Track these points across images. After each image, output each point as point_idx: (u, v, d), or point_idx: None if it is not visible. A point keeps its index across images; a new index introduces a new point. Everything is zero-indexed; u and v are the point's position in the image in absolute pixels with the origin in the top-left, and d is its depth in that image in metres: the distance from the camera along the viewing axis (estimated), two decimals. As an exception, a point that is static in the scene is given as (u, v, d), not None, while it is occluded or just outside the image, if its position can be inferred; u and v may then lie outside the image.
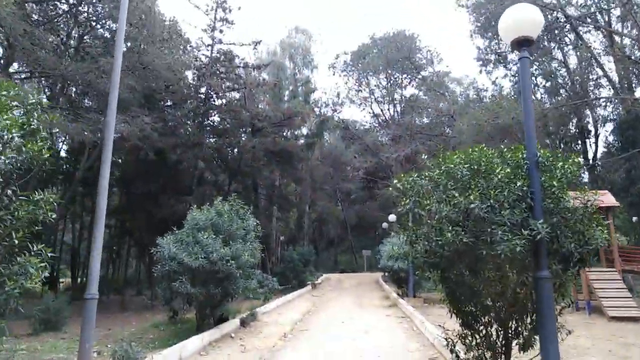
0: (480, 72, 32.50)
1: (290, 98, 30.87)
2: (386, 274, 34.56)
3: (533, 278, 4.74)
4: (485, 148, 5.42)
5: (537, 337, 5.35)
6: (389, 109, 34.79)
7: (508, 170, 4.87)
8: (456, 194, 4.81)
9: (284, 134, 29.51)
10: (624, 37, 23.71)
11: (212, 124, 21.94)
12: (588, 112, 29.92)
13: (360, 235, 64.82)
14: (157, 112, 19.80)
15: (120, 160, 23.82)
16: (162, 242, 10.42)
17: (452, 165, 5.20)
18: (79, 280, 33.42)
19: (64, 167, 25.30)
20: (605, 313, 12.93)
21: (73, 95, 21.05)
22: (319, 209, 46.91)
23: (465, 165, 5.07)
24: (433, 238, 5.20)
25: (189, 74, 22.28)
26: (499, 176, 4.77)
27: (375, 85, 33.07)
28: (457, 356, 6.08)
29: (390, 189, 5.97)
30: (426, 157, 27.28)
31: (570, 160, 4.93)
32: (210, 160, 21.56)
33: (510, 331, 5.58)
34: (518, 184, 4.72)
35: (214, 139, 21.58)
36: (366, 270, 45.57)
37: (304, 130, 34.58)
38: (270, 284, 17.91)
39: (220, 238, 10.52)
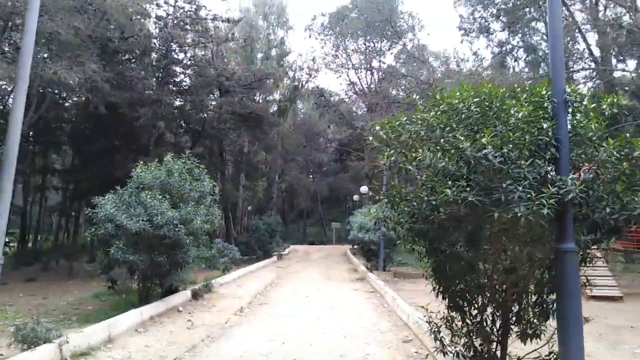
0: (462, 41, 31.39)
1: (263, 60, 28.96)
2: (355, 246, 34.01)
3: (554, 251, 3.61)
4: (495, 85, 4.20)
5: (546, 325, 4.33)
6: (366, 77, 33.30)
7: (530, 108, 3.67)
8: (461, 137, 3.58)
9: (255, 97, 27.78)
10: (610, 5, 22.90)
11: (174, 80, 19.99)
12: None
13: (331, 207, 64.14)
14: (114, 65, 17.83)
15: (69, 116, 21.71)
16: (100, 202, 8.92)
17: (456, 102, 3.95)
18: (29, 244, 31.35)
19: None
20: (583, 292, 12.32)
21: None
22: (290, 180, 45.61)
23: (474, 100, 3.83)
24: (424, 198, 3.99)
25: (151, 25, 20.20)
26: (518, 115, 3.57)
27: (353, 50, 31.41)
28: (442, 343, 5.03)
29: (371, 139, 4.61)
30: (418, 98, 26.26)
31: (609, 100, 3.75)
32: (171, 119, 19.70)
33: (510, 315, 4.52)
34: (545, 126, 3.53)
35: (176, 97, 19.68)
36: (335, 243, 44.93)
37: (277, 96, 32.85)
38: (231, 254, 16.71)
39: (169, 200, 9.10)
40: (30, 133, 22.17)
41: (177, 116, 20.22)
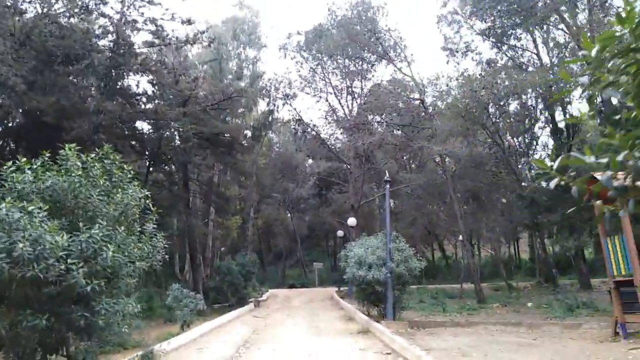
0: (448, 62, 28.94)
1: (234, 80, 25.74)
2: (340, 289, 29.91)
3: None
4: None
5: None
6: (347, 102, 30.33)
7: None
8: None
9: (226, 119, 24.29)
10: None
11: (122, 88, 16.37)
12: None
13: (311, 247, 60.03)
14: (49, 71, 14.18)
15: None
16: None
17: None
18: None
19: None
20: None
21: None
22: (266, 215, 41.71)
23: None
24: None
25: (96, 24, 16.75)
26: None
27: (332, 70, 28.52)
28: None
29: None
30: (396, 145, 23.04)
31: None
32: (119, 136, 15.91)
33: None
34: None
35: (124, 108, 15.93)
36: (317, 285, 40.60)
37: (250, 122, 29.47)
38: (192, 303, 12.61)
39: (60, 218, 5.28)
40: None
41: (126, 134, 16.40)
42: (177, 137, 17.69)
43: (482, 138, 28.34)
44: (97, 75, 15.23)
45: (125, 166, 6.69)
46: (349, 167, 30.48)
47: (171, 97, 18.69)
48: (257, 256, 49.96)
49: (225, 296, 21.85)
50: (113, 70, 15.14)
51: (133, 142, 17.39)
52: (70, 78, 14.63)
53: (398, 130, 24.92)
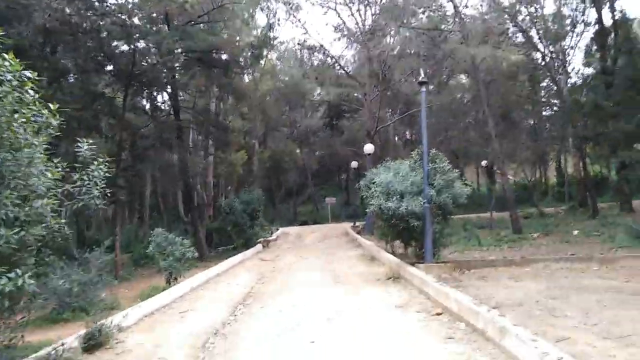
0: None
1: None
2: (356, 224, 27.50)
3: None
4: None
5: None
6: (359, 12, 25.96)
7: None
8: None
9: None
10: None
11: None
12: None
13: (323, 182, 57.82)
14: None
15: None
16: None
17: None
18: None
19: None
20: None
21: None
22: (273, 148, 39.01)
23: None
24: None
25: None
26: None
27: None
28: None
29: None
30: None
31: None
32: (77, 47, 12.53)
33: None
34: None
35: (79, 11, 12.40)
36: (330, 221, 38.59)
37: (249, 39, 25.66)
38: (177, 251, 10.06)
39: None
40: None
41: (90, 46, 13.00)
42: (157, 53, 14.39)
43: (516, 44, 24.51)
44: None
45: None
46: (363, 87, 26.90)
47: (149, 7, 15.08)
48: (267, 194, 47.89)
49: (229, 238, 19.56)
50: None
51: (101, 59, 14.03)
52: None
53: (423, 34, 21.04)
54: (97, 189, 5.02)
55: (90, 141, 5.21)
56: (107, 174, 5.23)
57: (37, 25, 10.52)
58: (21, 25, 10.47)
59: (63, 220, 5.29)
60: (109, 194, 5.44)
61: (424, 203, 9.14)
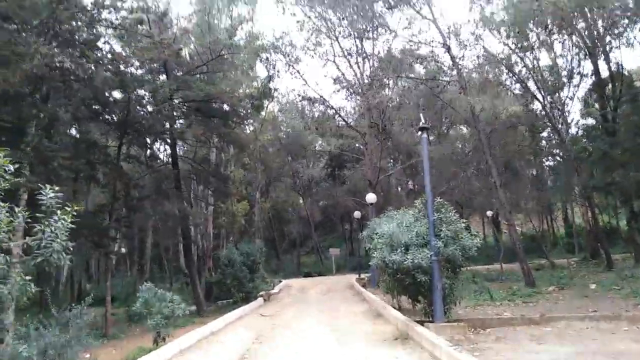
0: (470, 9, 24.40)
1: (226, 39, 22.10)
2: (360, 275, 26.49)
3: None
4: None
5: None
6: (357, 64, 26.33)
7: None
8: None
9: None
10: None
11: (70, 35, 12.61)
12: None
13: (326, 233, 57.07)
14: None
15: None
16: None
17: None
18: None
19: None
20: None
21: None
22: (275, 199, 38.59)
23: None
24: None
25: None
26: None
27: (339, 25, 24.52)
28: None
29: None
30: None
31: None
32: (69, 96, 12.18)
33: None
34: None
35: (72, 57, 12.19)
36: (335, 273, 37.47)
37: (248, 90, 25.91)
38: (167, 309, 9.31)
39: None
40: None
41: (83, 93, 12.75)
42: (153, 101, 14.27)
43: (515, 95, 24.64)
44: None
45: None
46: (363, 137, 26.80)
47: (147, 58, 15.14)
48: (270, 245, 46.97)
49: (228, 291, 18.65)
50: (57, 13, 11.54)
51: (94, 107, 13.84)
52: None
53: (422, 84, 21.13)
54: (57, 242, 4.45)
55: (57, 188, 4.68)
56: (71, 225, 4.67)
57: (25, 70, 10.32)
58: (8, 71, 10.27)
59: (28, 277, 4.74)
60: (70, 249, 4.81)
61: (431, 256, 8.49)
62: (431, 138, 37.02)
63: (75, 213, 4.86)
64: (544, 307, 12.79)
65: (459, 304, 9.94)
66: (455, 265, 9.01)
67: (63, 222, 4.58)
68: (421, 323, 8.84)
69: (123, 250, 40.29)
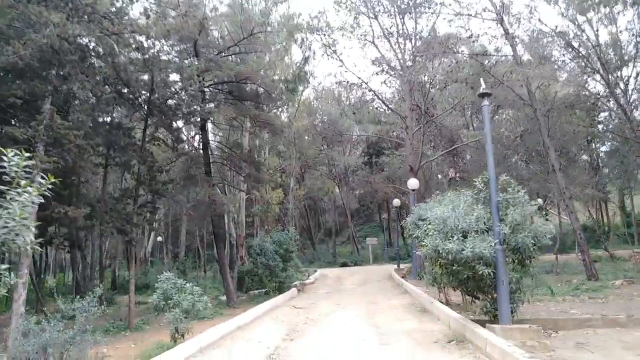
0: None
1: (259, 18, 21.03)
2: (400, 266, 25.08)
3: None
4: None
5: None
6: (398, 44, 24.51)
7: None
8: None
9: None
10: None
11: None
12: None
13: (363, 222, 55.76)
14: None
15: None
16: None
17: None
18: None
19: None
20: None
21: None
22: (310, 186, 37.59)
23: None
24: None
25: None
26: None
27: (379, 6, 22.89)
28: None
29: None
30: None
31: None
32: (87, 72, 11.34)
33: None
34: None
35: (88, 27, 11.31)
36: (372, 263, 36.23)
37: (283, 74, 24.80)
38: (185, 301, 8.31)
39: None
40: None
41: (104, 71, 11.90)
42: (180, 81, 13.32)
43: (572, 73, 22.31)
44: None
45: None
46: (404, 121, 25.15)
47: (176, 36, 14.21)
48: (306, 234, 46.10)
49: (260, 281, 17.73)
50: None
51: (116, 85, 13.01)
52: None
53: (471, 58, 19.30)
54: (16, 221, 3.38)
55: (27, 155, 3.60)
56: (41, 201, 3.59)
57: (34, 41, 9.48)
58: (19, 44, 9.47)
59: (4, 266, 3.75)
60: (33, 229, 3.72)
61: (495, 244, 7.04)
62: (476, 123, 34.87)
63: (51, 186, 3.81)
64: (618, 305, 11.07)
65: (528, 302, 8.41)
66: (525, 255, 7.50)
67: (26, 197, 3.51)
68: (481, 323, 7.44)
69: (160, 238, 40.57)
